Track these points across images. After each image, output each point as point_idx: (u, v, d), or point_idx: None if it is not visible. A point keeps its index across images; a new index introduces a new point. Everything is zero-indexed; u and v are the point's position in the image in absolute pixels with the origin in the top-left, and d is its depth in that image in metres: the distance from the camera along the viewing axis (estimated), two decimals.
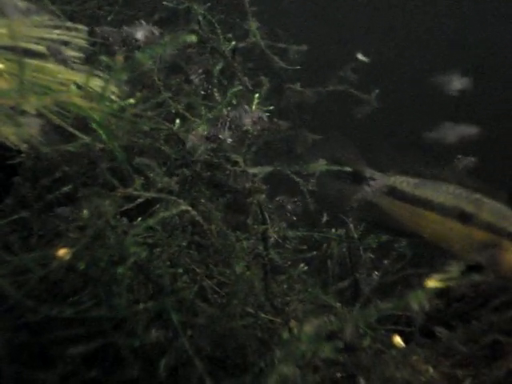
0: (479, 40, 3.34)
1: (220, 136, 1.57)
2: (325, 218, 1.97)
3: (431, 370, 1.50)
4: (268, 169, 1.60)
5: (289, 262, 1.77)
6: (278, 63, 2.31)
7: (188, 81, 1.91)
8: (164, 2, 2.18)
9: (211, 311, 1.54)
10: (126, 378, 1.43)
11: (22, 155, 1.58)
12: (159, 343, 1.44)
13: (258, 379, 1.37)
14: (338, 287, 1.80)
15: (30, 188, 1.63)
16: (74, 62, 1.50)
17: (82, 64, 1.51)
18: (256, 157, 1.70)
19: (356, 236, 1.86)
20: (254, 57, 2.28)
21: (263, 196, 1.62)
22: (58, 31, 1.53)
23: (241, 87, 1.82)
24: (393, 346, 1.58)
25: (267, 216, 1.62)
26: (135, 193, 1.50)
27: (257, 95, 1.68)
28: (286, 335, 1.50)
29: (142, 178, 1.55)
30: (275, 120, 2.08)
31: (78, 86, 1.41)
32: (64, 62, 1.48)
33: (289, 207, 1.77)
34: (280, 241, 1.76)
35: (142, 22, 1.61)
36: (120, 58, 1.24)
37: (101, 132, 1.44)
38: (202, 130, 1.58)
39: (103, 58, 1.33)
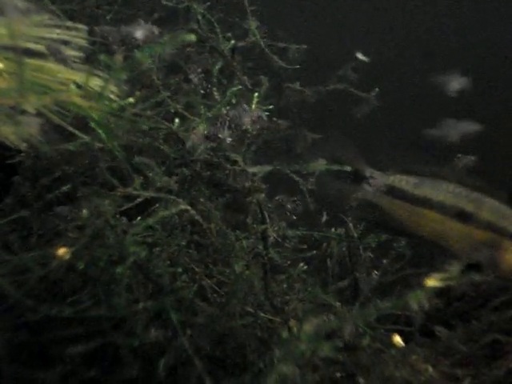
0: (479, 40, 3.34)
1: (219, 135, 1.57)
2: (324, 218, 1.97)
3: (431, 369, 1.50)
4: (267, 168, 1.60)
5: (288, 262, 1.78)
6: (278, 62, 2.30)
7: (187, 80, 1.91)
8: (163, 1, 2.17)
9: (211, 310, 1.54)
10: (125, 378, 1.43)
11: (22, 154, 1.59)
12: (158, 343, 1.44)
13: (257, 378, 1.37)
14: (338, 286, 1.80)
15: (30, 187, 1.63)
16: (74, 62, 1.50)
17: (82, 63, 1.51)
18: (255, 156, 1.71)
19: (356, 235, 1.87)
20: (253, 56, 2.28)
21: (263, 195, 1.62)
22: (57, 30, 1.53)
23: (240, 86, 1.82)
24: (392, 345, 1.57)
25: (267, 215, 1.62)
26: (134, 192, 1.51)
27: (256, 94, 1.68)
28: (285, 334, 1.50)
29: (142, 177, 1.55)
30: (275, 119, 2.09)
31: (78, 86, 1.41)
32: (64, 61, 1.47)
33: (288, 206, 1.77)
34: (279, 240, 1.77)
35: (142, 21, 1.61)
36: (119, 57, 1.24)
37: (100, 131, 1.44)
38: (202, 129, 1.58)
39: (103, 57, 1.33)
